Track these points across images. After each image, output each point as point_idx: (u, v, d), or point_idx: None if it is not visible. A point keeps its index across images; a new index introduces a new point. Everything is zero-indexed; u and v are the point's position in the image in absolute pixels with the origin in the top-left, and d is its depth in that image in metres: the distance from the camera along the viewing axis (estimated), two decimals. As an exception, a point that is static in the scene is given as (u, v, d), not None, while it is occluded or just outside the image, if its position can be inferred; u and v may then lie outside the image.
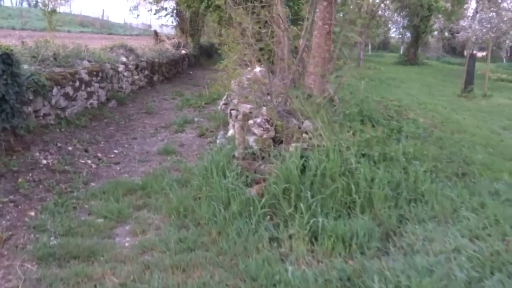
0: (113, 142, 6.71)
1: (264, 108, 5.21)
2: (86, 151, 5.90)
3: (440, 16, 30.37)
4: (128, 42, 14.77)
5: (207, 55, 26.92)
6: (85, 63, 8.33)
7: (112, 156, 6.01)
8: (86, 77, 7.86)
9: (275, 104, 5.38)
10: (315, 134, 4.68)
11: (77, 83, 7.46)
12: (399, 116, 7.73)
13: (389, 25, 39.66)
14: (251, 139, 4.86)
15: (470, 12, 29.89)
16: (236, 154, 4.83)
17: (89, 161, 5.55)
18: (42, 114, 6.27)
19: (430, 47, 40.97)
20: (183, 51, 19.59)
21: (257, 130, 4.85)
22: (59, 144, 5.86)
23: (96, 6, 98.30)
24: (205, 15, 25.09)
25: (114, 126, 7.71)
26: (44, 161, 5.13)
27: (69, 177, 4.93)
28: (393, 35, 46.20)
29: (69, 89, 7.10)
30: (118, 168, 5.55)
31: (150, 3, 22.59)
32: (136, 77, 11.44)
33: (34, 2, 45.02)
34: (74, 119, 7.04)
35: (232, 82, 11.09)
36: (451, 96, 15.82)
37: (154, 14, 22.82)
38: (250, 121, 4.97)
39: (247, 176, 4.32)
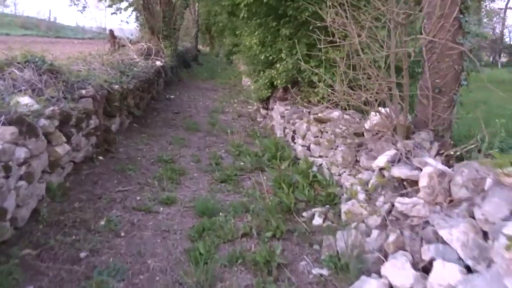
0: None
1: None
2: None
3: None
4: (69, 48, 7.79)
5: (184, 65, 19.69)
6: None
7: None
8: None
9: None
10: None
11: None
12: None
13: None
14: None
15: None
16: None
17: None
18: None
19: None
20: (158, 63, 12.36)
21: None
22: None
23: (42, 6, 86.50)
24: (187, 6, 17.89)
25: None
26: None
27: None
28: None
29: None
30: None
31: (103, -12, 15.20)
32: (61, 150, 4.21)
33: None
34: None
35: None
36: None
37: (109, 6, 15.39)
38: None
39: None
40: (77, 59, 7.95)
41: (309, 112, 6.23)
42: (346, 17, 3.68)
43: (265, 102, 8.73)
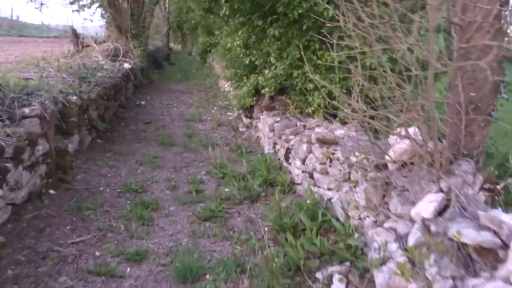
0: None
1: None
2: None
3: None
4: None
5: (155, 65, 18.43)
6: None
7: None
8: None
9: None
10: None
11: None
12: None
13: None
14: None
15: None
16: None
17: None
18: None
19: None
20: (126, 65, 11.18)
21: None
22: None
23: (4, 4, 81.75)
24: (157, 3, 16.66)
25: None
26: None
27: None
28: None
29: None
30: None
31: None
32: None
33: None
34: None
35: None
36: None
37: (72, 3, 14.06)
38: None
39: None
40: (28, 65, 6.81)
41: (304, 126, 5.35)
42: (382, 16, 2.74)
43: (248, 110, 7.77)
